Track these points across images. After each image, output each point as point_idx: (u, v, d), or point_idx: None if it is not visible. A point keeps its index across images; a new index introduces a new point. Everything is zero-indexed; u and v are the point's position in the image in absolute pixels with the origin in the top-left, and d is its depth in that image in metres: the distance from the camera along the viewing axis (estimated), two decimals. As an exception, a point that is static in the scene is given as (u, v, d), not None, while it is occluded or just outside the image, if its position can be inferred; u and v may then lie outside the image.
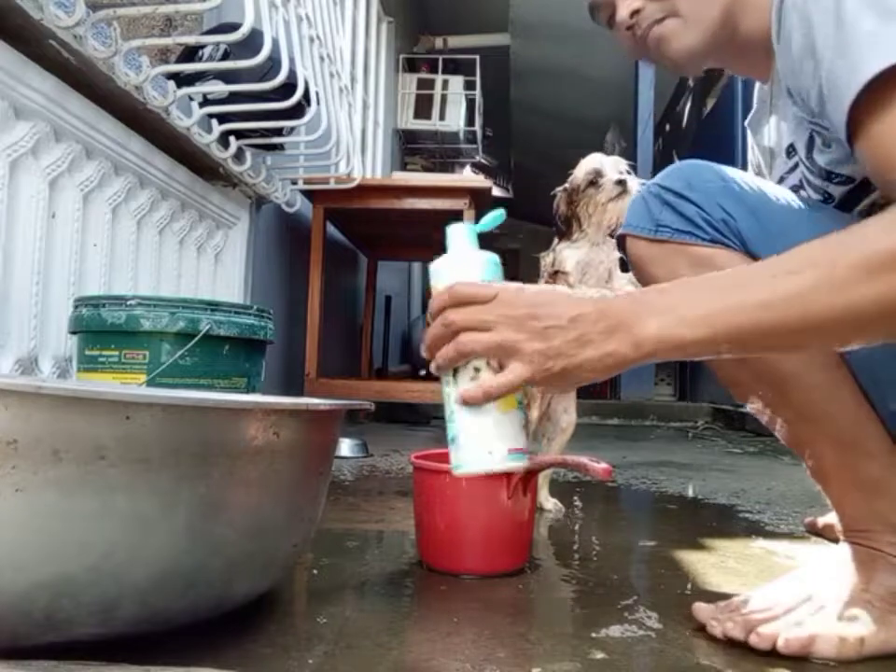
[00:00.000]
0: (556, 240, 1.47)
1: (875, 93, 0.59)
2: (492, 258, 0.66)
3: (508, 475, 0.89)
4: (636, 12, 0.81)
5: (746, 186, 0.78)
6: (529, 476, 0.91)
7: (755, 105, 0.93)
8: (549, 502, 1.35)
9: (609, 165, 1.42)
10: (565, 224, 1.44)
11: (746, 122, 0.97)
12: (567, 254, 1.41)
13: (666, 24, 0.80)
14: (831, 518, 1.10)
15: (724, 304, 0.58)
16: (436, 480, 0.93)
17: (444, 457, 1.00)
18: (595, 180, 1.40)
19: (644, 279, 0.83)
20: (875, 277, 0.54)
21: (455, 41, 5.49)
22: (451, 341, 0.62)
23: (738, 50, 0.81)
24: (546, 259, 1.46)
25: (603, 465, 0.85)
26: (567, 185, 1.45)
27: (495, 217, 0.66)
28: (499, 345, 0.60)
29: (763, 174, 0.95)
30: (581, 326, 0.59)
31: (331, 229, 3.06)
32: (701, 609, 0.74)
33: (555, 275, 1.41)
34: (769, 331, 0.57)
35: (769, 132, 0.91)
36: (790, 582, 0.74)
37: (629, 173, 1.42)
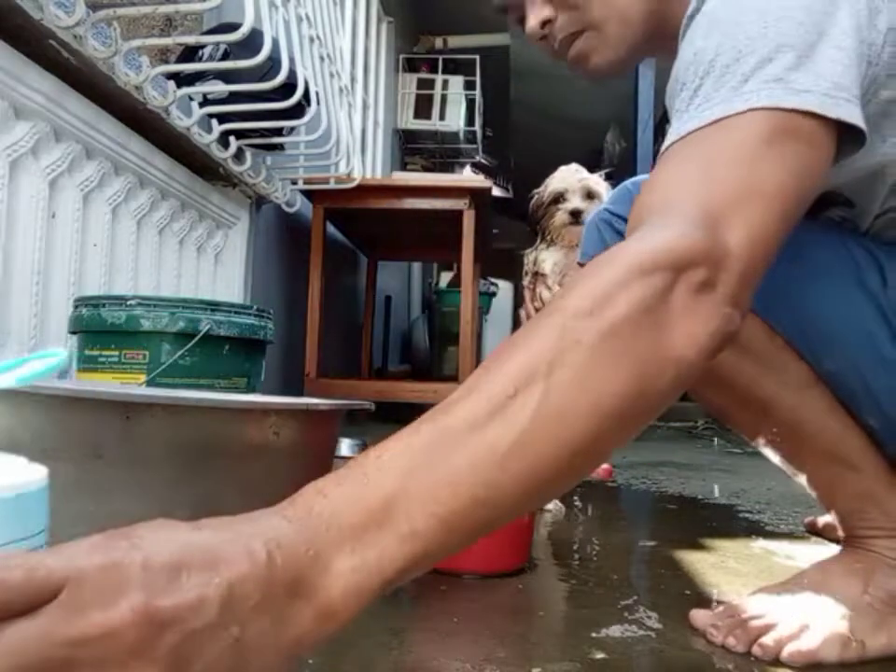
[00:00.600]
0: (538, 239, 1.50)
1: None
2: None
3: None
4: (546, 22, 0.72)
5: None
6: None
7: None
8: (549, 502, 1.35)
9: (574, 187, 1.45)
10: (536, 228, 1.49)
11: None
12: (545, 256, 1.46)
13: (585, 40, 0.71)
14: (831, 517, 1.10)
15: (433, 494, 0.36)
16: None
17: None
18: (557, 200, 1.45)
19: None
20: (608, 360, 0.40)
21: (454, 41, 5.48)
22: None
23: (668, 43, 0.68)
24: (529, 258, 1.49)
25: (603, 465, 0.85)
26: (538, 192, 1.49)
27: (42, 370, 0.36)
28: None
29: None
30: (239, 611, 0.31)
31: (331, 229, 3.06)
32: (699, 616, 0.74)
33: (536, 276, 1.44)
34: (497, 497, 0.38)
35: None
36: (789, 586, 0.74)
37: (603, 188, 1.46)
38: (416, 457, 0.37)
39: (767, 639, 0.67)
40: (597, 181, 1.49)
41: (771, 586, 0.75)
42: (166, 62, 1.94)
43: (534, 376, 0.38)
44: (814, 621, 0.67)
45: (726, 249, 0.46)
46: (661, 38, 0.70)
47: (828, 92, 0.51)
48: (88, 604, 0.28)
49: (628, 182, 0.84)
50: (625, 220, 0.75)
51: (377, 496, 0.35)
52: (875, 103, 0.58)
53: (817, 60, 0.52)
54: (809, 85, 0.51)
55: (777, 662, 0.66)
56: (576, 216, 1.42)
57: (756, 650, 0.67)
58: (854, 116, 0.52)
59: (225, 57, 1.73)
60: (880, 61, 0.56)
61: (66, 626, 0.27)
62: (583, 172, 1.50)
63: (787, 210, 0.50)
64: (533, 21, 0.72)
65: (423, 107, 5.10)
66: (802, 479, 0.76)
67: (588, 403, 0.39)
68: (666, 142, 0.54)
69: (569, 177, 1.48)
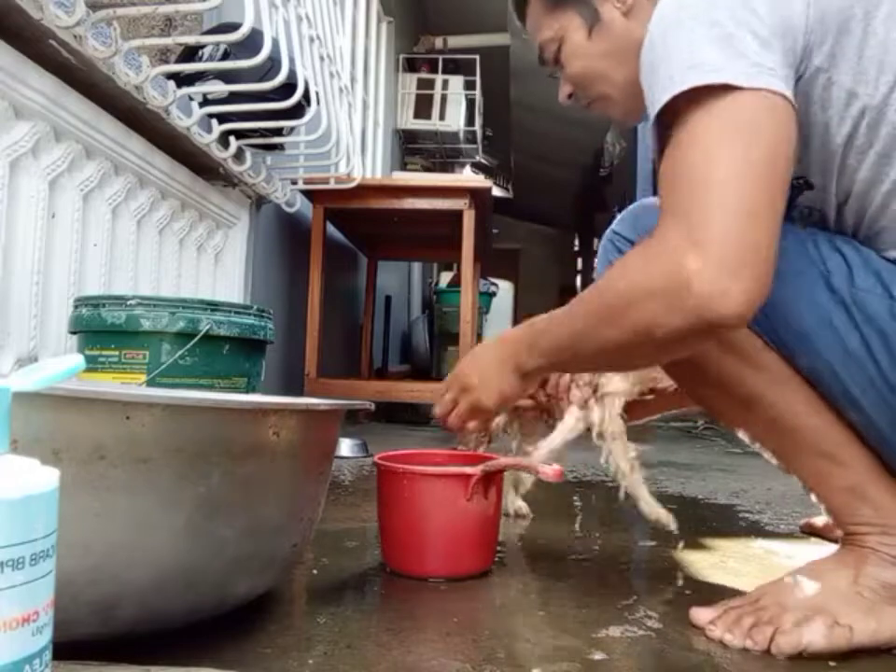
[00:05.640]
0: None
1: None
2: None
3: (466, 476, 0.88)
4: (569, 96, 0.94)
5: None
6: (489, 478, 0.89)
7: None
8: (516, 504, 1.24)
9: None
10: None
11: None
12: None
13: (598, 105, 0.92)
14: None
15: (541, 344, 0.79)
16: (394, 481, 0.91)
17: (410, 458, 1.01)
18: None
19: None
20: (607, 325, 0.69)
21: (454, 41, 5.48)
22: None
23: None
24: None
25: (553, 467, 0.85)
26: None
27: (60, 373, 0.39)
28: None
29: None
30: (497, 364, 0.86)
31: (331, 229, 3.06)
32: (698, 613, 0.75)
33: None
34: (568, 359, 0.78)
35: None
36: (784, 581, 0.75)
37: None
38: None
39: (758, 631, 0.69)
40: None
41: (767, 583, 0.76)
42: (166, 62, 1.94)
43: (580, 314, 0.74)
44: (804, 610, 0.69)
45: (698, 244, 0.61)
46: None
47: (746, 70, 0.62)
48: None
49: (636, 205, 0.89)
50: (625, 239, 0.86)
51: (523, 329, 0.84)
52: (809, 72, 0.67)
53: (733, 50, 0.63)
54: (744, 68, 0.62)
55: (777, 661, 0.66)
56: None
57: (748, 642, 0.69)
58: (772, 84, 0.63)
59: (225, 57, 1.73)
60: (807, 26, 0.65)
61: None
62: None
63: (749, 186, 0.61)
64: (561, 95, 0.95)
65: (423, 107, 5.10)
66: (792, 473, 0.78)
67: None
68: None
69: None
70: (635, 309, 0.65)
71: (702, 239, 0.60)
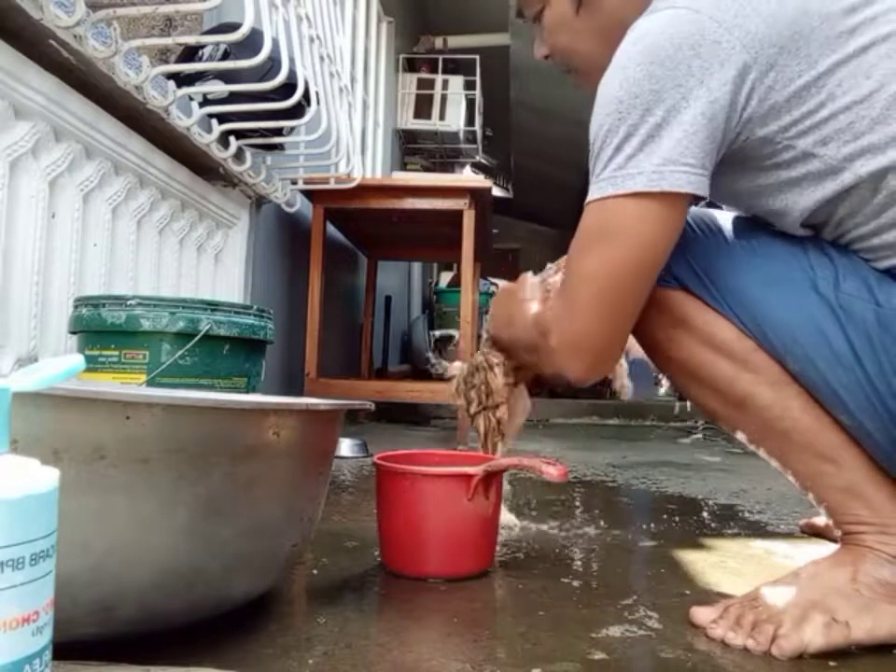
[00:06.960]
0: None
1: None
2: None
3: (468, 476, 0.88)
4: (546, 56, 0.92)
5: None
6: (490, 478, 0.89)
7: None
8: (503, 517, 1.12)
9: None
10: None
11: None
12: None
13: (574, 76, 0.92)
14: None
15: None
16: (394, 481, 0.91)
17: (410, 458, 1.01)
18: None
19: None
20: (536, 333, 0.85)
21: (454, 41, 5.48)
22: None
23: None
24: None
25: (558, 467, 0.85)
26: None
27: (61, 373, 0.39)
28: None
29: None
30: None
31: (331, 229, 3.06)
32: (699, 613, 0.75)
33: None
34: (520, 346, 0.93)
35: None
36: (784, 580, 0.75)
37: None
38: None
39: (759, 631, 0.69)
40: None
41: (767, 582, 0.76)
42: (166, 62, 1.94)
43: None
44: (802, 609, 0.69)
45: (559, 326, 0.78)
46: None
47: (656, 169, 0.68)
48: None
49: None
50: None
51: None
52: (752, 139, 0.71)
53: (653, 144, 0.68)
54: (643, 167, 0.68)
55: (775, 660, 0.66)
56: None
57: (749, 642, 0.69)
58: (679, 183, 0.68)
59: (225, 57, 1.73)
60: (749, 107, 0.69)
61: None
62: None
63: (607, 287, 0.73)
64: (537, 53, 0.92)
65: (423, 107, 5.10)
66: (788, 474, 0.78)
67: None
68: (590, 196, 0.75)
69: None
70: (537, 345, 0.84)
71: (563, 325, 0.78)
